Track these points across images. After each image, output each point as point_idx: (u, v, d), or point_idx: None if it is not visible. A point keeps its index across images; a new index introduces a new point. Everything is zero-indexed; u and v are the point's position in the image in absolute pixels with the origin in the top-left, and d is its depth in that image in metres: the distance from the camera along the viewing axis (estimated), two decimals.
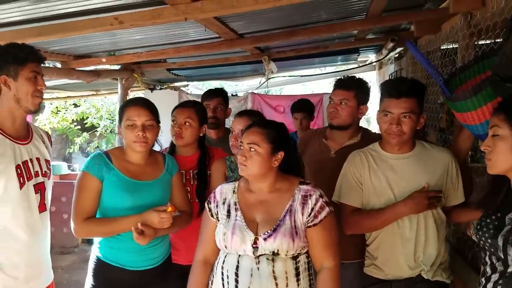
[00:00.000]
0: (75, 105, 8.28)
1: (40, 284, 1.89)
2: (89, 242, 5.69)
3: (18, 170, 1.78)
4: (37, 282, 1.87)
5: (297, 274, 1.61)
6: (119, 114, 2.03)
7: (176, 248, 2.24)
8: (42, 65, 1.88)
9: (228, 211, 1.72)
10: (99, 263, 1.95)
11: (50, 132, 2.45)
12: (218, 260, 1.73)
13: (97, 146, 8.42)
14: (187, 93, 5.71)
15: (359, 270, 2.05)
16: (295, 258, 1.62)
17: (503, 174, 1.39)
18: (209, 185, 2.27)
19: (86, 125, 8.39)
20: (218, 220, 1.73)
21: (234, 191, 1.76)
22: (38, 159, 1.90)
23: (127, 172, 1.95)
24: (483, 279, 1.38)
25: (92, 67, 3.85)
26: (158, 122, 2.01)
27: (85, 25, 2.14)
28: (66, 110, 8.12)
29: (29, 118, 4.37)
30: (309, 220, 1.62)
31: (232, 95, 5.97)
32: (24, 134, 1.88)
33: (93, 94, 6.66)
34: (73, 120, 8.22)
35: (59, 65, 3.48)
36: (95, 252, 1.99)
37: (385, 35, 3.93)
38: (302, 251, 1.64)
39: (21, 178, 1.78)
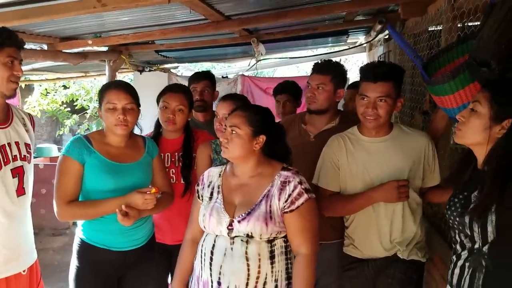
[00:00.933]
0: (65, 87, 8.19)
1: (19, 265, 1.90)
2: None
3: None
4: (15, 264, 1.88)
5: (272, 257, 1.64)
6: (99, 97, 2.04)
7: (161, 228, 2.29)
8: (22, 48, 1.85)
9: (211, 194, 1.77)
10: (83, 245, 1.98)
11: (38, 115, 2.44)
12: (202, 239, 1.78)
13: (88, 128, 8.38)
14: (177, 75, 5.67)
15: (338, 250, 2.11)
16: (270, 241, 1.65)
17: (468, 146, 1.43)
18: (194, 167, 2.31)
19: (76, 107, 8.32)
20: (203, 201, 1.78)
21: (220, 174, 1.81)
22: (17, 143, 1.90)
23: (108, 155, 1.97)
24: (454, 257, 1.44)
25: (79, 49, 3.82)
26: (139, 105, 2.03)
27: (69, 8, 2.12)
28: (55, 92, 8.04)
29: (16, 100, 4.34)
30: (285, 206, 1.64)
31: (222, 77, 5.92)
32: (3, 118, 1.87)
33: (82, 76, 6.62)
34: (62, 102, 8.15)
35: (45, 47, 3.45)
36: (78, 234, 2.02)
37: (373, 17, 3.92)
38: (278, 235, 1.66)
39: None
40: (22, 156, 1.91)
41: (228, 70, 6.45)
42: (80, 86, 8.06)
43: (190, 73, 6.20)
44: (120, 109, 1.93)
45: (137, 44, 4.27)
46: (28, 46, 3.26)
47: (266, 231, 1.62)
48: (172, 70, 5.92)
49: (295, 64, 7.09)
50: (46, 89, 7.88)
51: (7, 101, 1.92)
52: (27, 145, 1.96)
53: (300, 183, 1.67)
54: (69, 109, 8.49)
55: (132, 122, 1.97)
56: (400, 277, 1.87)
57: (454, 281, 1.40)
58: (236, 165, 1.77)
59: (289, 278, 1.67)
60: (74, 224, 5.79)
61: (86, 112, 8.23)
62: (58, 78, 6.62)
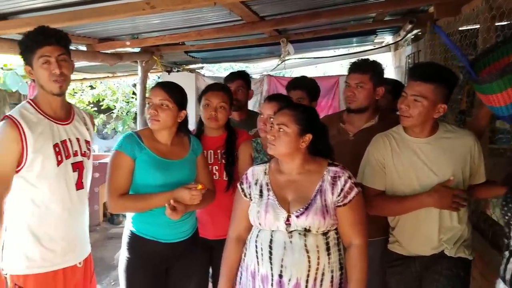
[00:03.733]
0: (91, 87, 8.36)
1: (75, 257, 1.98)
2: (110, 220, 5.87)
3: (56, 148, 1.86)
4: (72, 255, 1.96)
5: (328, 249, 1.71)
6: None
7: (203, 223, 2.36)
8: (62, 43, 1.86)
9: (261, 191, 1.82)
10: (134, 237, 2.06)
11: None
12: (251, 235, 1.85)
13: (114, 128, 8.53)
14: (204, 76, 5.76)
15: (381, 247, 2.14)
16: (325, 234, 1.72)
17: None
18: (236, 164, 2.38)
19: (102, 107, 8.50)
20: (251, 200, 1.84)
21: (265, 172, 1.86)
22: (78, 139, 1.99)
23: (157, 152, 2.05)
24: (506, 252, 1.47)
25: (114, 50, 3.92)
26: (179, 105, 2.07)
27: (117, 10, 2.19)
28: (82, 92, 8.22)
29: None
30: (339, 200, 1.72)
31: None
32: (64, 115, 1.96)
33: (109, 77, 6.76)
34: (89, 102, 8.34)
35: (83, 48, 3.56)
36: (128, 227, 2.10)
37: (404, 17, 3.94)
38: (331, 228, 1.74)
39: (58, 156, 1.86)
40: (82, 152, 2.00)
41: (248, 71, 6.50)
42: (107, 86, 8.20)
43: (211, 74, 6.32)
44: (153, 105, 2.01)
45: (169, 45, 4.36)
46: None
47: (323, 224, 1.69)
48: (197, 71, 6.00)
49: (316, 64, 7.09)
50: (73, 89, 8.05)
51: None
52: (87, 142, 2.05)
53: (350, 177, 1.75)
54: (95, 109, 8.66)
55: (164, 119, 2.02)
56: (447, 273, 1.88)
57: (508, 276, 1.42)
58: (282, 162, 1.83)
59: (341, 268, 1.74)
60: (104, 220, 5.99)
61: (113, 112, 8.37)
62: (85, 79, 6.75)
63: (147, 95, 4.78)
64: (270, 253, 1.71)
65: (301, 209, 1.70)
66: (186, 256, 2.15)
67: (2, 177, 1.75)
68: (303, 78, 3.03)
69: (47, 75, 1.81)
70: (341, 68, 9.95)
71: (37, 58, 1.79)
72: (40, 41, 1.78)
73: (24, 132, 1.78)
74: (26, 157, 1.79)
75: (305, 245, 1.68)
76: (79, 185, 1.96)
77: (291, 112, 1.78)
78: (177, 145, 2.15)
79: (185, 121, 2.18)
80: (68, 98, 7.60)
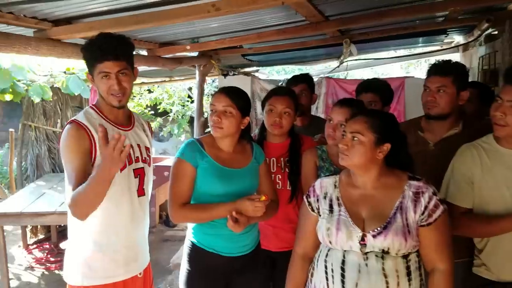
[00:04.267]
0: (149, 91, 8.55)
1: (137, 267, 1.95)
2: (166, 223, 5.93)
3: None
4: (134, 266, 1.93)
5: (408, 274, 1.54)
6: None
7: (266, 235, 2.24)
8: (125, 57, 1.79)
9: (331, 206, 1.67)
10: (194, 248, 1.99)
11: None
12: (319, 253, 1.71)
13: (170, 131, 8.69)
14: (259, 79, 5.68)
15: (464, 270, 1.92)
16: (405, 257, 1.55)
17: None
18: (300, 173, 2.24)
19: (159, 111, 8.66)
20: (320, 215, 1.70)
21: (335, 185, 1.72)
22: (138, 145, 1.96)
23: (219, 160, 1.97)
24: None
25: (174, 55, 3.93)
26: (242, 111, 1.98)
27: (182, 13, 2.13)
28: (141, 96, 8.42)
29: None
30: (422, 219, 1.54)
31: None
32: (126, 122, 1.94)
33: (166, 81, 6.85)
34: (147, 105, 8.51)
35: (143, 53, 3.58)
36: (189, 237, 2.03)
37: (479, 15, 3.63)
38: (413, 250, 1.56)
39: None
40: (143, 158, 1.96)
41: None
42: (164, 90, 8.36)
43: (264, 77, 6.22)
44: (216, 112, 1.93)
45: (227, 49, 4.32)
46: None
47: (404, 246, 1.52)
48: (253, 74, 5.93)
49: (374, 66, 6.80)
50: (132, 92, 8.23)
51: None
52: (147, 149, 2.01)
53: (434, 193, 1.57)
54: (152, 112, 8.82)
55: (228, 126, 1.93)
56: None
57: None
58: (355, 174, 1.67)
59: None
60: (160, 223, 6.07)
61: (169, 115, 8.52)
62: (143, 83, 6.90)
63: (204, 98, 4.80)
64: (342, 275, 1.56)
65: (379, 228, 1.54)
66: (248, 271, 2.05)
67: (81, 172, 1.69)
68: (375, 80, 2.83)
69: (106, 88, 1.78)
70: (400, 70, 9.53)
71: (97, 72, 1.76)
72: (99, 57, 1.74)
73: (91, 134, 1.75)
74: (94, 158, 1.75)
75: (383, 269, 1.52)
76: (141, 192, 1.92)
77: (367, 118, 1.62)
78: (239, 153, 2.06)
79: (248, 127, 2.09)
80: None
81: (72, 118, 1.82)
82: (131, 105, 8.22)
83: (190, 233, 2.04)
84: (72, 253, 1.85)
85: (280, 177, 2.29)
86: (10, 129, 5.94)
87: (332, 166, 2.15)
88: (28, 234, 5.30)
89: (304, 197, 1.79)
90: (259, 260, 2.10)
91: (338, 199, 1.67)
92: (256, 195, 1.88)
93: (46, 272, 4.49)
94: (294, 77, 2.91)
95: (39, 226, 5.36)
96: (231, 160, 2.00)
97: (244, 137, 2.10)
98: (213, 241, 1.96)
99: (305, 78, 2.87)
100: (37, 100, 4.88)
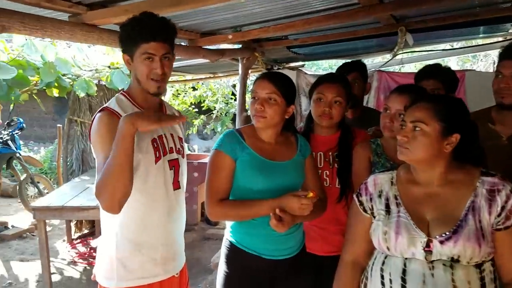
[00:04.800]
0: (194, 88, 8.54)
1: (175, 267, 1.80)
2: (207, 221, 5.81)
3: (154, 143, 1.68)
4: (172, 265, 1.78)
5: (483, 286, 1.29)
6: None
7: (311, 237, 2.02)
8: (169, 41, 1.64)
9: (387, 206, 1.45)
10: (233, 248, 1.81)
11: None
12: (373, 261, 1.48)
13: (213, 129, 8.64)
14: (305, 73, 5.42)
15: None
16: (478, 266, 1.30)
17: None
18: (351, 170, 2.00)
19: (202, 108, 8.63)
20: (374, 217, 1.48)
21: (392, 182, 1.49)
22: (172, 135, 1.80)
23: (261, 152, 1.78)
24: None
25: (216, 46, 3.79)
26: (287, 99, 1.78)
27: None
28: (185, 93, 8.43)
29: None
30: (499, 221, 1.30)
31: None
32: (158, 110, 1.78)
33: (210, 77, 6.74)
34: (191, 103, 8.50)
35: (184, 43, 3.45)
36: (227, 236, 1.86)
37: None
38: (487, 258, 1.31)
39: (157, 152, 1.69)
40: (177, 149, 1.81)
41: None
42: (207, 87, 8.34)
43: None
44: (259, 100, 1.74)
45: (271, 41, 4.12)
46: None
47: (478, 254, 1.28)
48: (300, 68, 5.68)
49: (430, 59, 6.33)
50: (177, 90, 8.30)
51: None
52: (180, 139, 1.86)
53: None
54: (196, 109, 8.81)
55: (272, 115, 1.74)
56: None
57: None
58: (417, 170, 1.44)
59: None
60: (202, 220, 5.97)
61: (212, 113, 8.48)
62: (187, 80, 6.84)
63: (248, 96, 4.62)
64: (403, 286, 1.33)
65: (447, 233, 1.31)
66: (291, 277, 1.84)
67: None
68: (438, 65, 2.52)
69: (147, 72, 1.61)
70: (457, 67, 8.92)
71: (140, 53, 1.59)
72: (148, 36, 1.57)
73: None
74: None
75: (453, 280, 1.28)
76: (176, 185, 1.77)
77: (431, 105, 1.38)
78: (283, 144, 1.86)
79: (292, 117, 1.89)
80: (172, 99, 7.87)
81: (104, 106, 1.67)
82: (175, 103, 8.24)
83: (228, 231, 1.87)
84: (105, 251, 1.71)
85: (328, 173, 2.07)
86: (58, 125, 6.07)
87: (388, 162, 1.90)
88: (73, 228, 5.36)
89: (355, 195, 1.58)
90: (303, 265, 1.89)
91: (396, 198, 1.45)
92: (303, 191, 1.67)
93: (88, 267, 4.48)
94: (345, 64, 2.66)
95: (83, 221, 5.41)
96: (274, 152, 1.81)
97: (288, 128, 1.90)
98: (254, 241, 1.78)
99: (358, 65, 2.62)
100: (82, 94, 4.90)
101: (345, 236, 1.63)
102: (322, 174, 2.06)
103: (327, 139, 2.09)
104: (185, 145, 1.96)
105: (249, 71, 4.43)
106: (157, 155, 1.69)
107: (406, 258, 1.36)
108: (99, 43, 2.33)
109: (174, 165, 1.77)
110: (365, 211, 1.52)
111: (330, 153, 2.08)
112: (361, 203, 1.53)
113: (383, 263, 1.42)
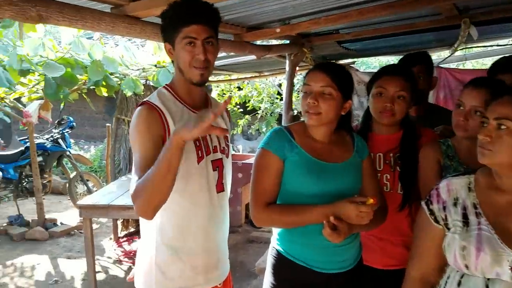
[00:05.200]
0: (239, 88, 8.49)
1: (218, 276, 1.65)
2: (252, 223, 5.67)
3: (197, 142, 1.54)
4: (215, 274, 1.63)
5: None
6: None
7: (369, 247, 1.82)
8: (213, 23, 1.52)
9: (465, 217, 1.24)
10: (280, 258, 1.64)
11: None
12: (446, 280, 1.28)
13: (258, 129, 8.53)
14: (357, 70, 5.13)
15: None
16: None
17: None
18: (416, 173, 1.78)
19: (247, 108, 8.55)
20: (448, 228, 1.27)
21: (469, 188, 1.28)
22: None
23: (312, 151, 1.59)
24: None
25: (262, 41, 3.63)
26: (344, 93, 1.59)
27: None
28: (230, 93, 8.36)
29: None
30: None
31: None
32: (201, 105, 1.63)
33: (256, 76, 6.60)
34: (236, 103, 8.44)
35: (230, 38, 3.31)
36: (274, 244, 1.69)
37: None
38: None
39: (199, 152, 1.54)
40: (221, 148, 1.66)
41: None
42: (253, 87, 8.24)
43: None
44: (313, 94, 1.55)
45: (320, 36, 3.90)
46: None
47: None
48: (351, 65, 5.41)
49: (494, 56, 5.84)
50: (222, 90, 8.26)
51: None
52: (225, 138, 1.70)
53: None
54: (241, 110, 8.73)
55: (327, 111, 1.55)
56: None
57: None
58: (501, 175, 1.22)
59: None
60: (246, 222, 5.84)
61: (257, 113, 8.37)
62: (232, 79, 6.75)
63: (294, 95, 4.44)
64: None
65: None
66: None
67: (151, 160, 1.39)
68: None
69: (189, 59, 1.48)
70: None
71: (181, 38, 1.47)
72: (188, 18, 1.45)
73: (165, 118, 1.48)
74: None
75: None
76: (220, 187, 1.62)
77: None
78: (337, 144, 1.67)
79: (349, 114, 1.68)
80: (217, 99, 7.84)
81: (145, 99, 1.55)
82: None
83: (275, 239, 1.69)
84: (144, 255, 1.59)
85: (388, 177, 1.85)
86: (107, 124, 6.16)
87: (462, 166, 1.66)
88: (119, 226, 5.39)
89: (423, 203, 1.36)
90: (360, 280, 1.68)
91: (475, 207, 1.24)
92: (361, 197, 1.47)
93: (132, 267, 4.46)
94: (409, 55, 2.39)
95: (130, 219, 5.43)
96: (328, 153, 1.62)
97: (343, 126, 1.70)
98: (304, 252, 1.59)
99: (423, 57, 2.36)
100: (129, 94, 4.91)
101: (412, 249, 1.42)
102: (382, 178, 1.85)
103: (387, 138, 1.88)
104: (230, 144, 1.82)
105: (297, 68, 4.22)
106: (200, 155, 1.55)
107: (488, 279, 1.17)
108: (141, 36, 2.23)
109: (218, 166, 1.62)
110: (436, 221, 1.31)
111: (391, 155, 1.86)
112: (431, 212, 1.32)
113: (459, 283, 1.22)
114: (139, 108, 1.50)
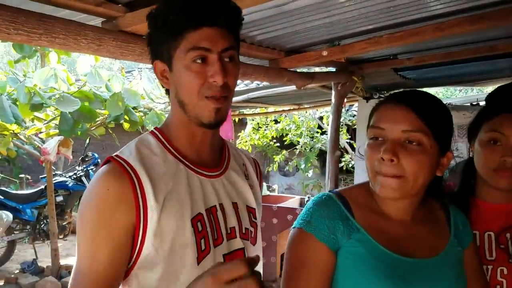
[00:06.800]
0: (276, 121, 7.98)
1: None
2: None
3: (198, 224, 0.93)
4: None
5: None
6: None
7: None
8: (232, 27, 0.95)
9: None
10: None
11: (249, 150, 1.55)
12: None
13: (296, 165, 7.91)
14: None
15: None
16: None
17: None
18: None
19: (285, 143, 8.00)
20: None
21: None
22: (235, 205, 1.03)
23: (384, 238, 0.97)
24: None
25: (303, 69, 3.04)
26: (441, 142, 0.97)
27: None
28: (266, 126, 7.87)
29: (230, 133, 3.70)
30: None
31: (472, 104, 4.52)
32: (212, 158, 1.04)
33: (294, 109, 6.04)
34: (272, 136, 7.91)
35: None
36: None
37: None
38: None
39: (201, 242, 0.93)
40: (243, 231, 1.03)
41: (480, 97, 4.88)
42: (291, 120, 7.71)
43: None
44: (388, 144, 0.93)
45: (373, 62, 3.26)
46: (247, 60, 2.55)
47: None
48: None
49: None
50: (258, 123, 7.78)
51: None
52: (250, 210, 1.08)
53: None
54: (278, 144, 8.18)
55: (415, 173, 0.93)
56: None
57: None
58: None
59: None
60: (281, 275, 5.11)
61: (296, 148, 7.80)
62: (268, 112, 6.26)
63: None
64: None
65: None
66: None
67: (104, 276, 0.84)
68: None
69: (197, 84, 0.90)
70: None
71: (183, 51, 0.90)
72: (194, 16, 0.88)
73: (141, 186, 0.88)
74: (143, 241, 0.87)
75: None
76: None
77: None
78: (424, 224, 1.03)
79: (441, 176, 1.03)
80: (252, 133, 7.29)
81: (115, 153, 0.95)
82: (256, 137, 7.69)
83: None
84: None
85: (506, 272, 1.19)
86: None
87: None
88: None
89: None
90: None
91: None
92: None
93: None
94: None
95: None
96: (410, 240, 1.00)
97: (431, 192, 1.06)
98: None
99: None
100: (151, 128, 4.46)
101: None
102: (494, 273, 1.20)
103: (503, 209, 1.23)
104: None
105: (345, 100, 3.58)
106: (202, 248, 0.93)
107: None
108: (141, 59, 1.63)
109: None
110: None
111: (508, 235, 1.21)
112: None
113: None
114: (99, 171, 0.91)
